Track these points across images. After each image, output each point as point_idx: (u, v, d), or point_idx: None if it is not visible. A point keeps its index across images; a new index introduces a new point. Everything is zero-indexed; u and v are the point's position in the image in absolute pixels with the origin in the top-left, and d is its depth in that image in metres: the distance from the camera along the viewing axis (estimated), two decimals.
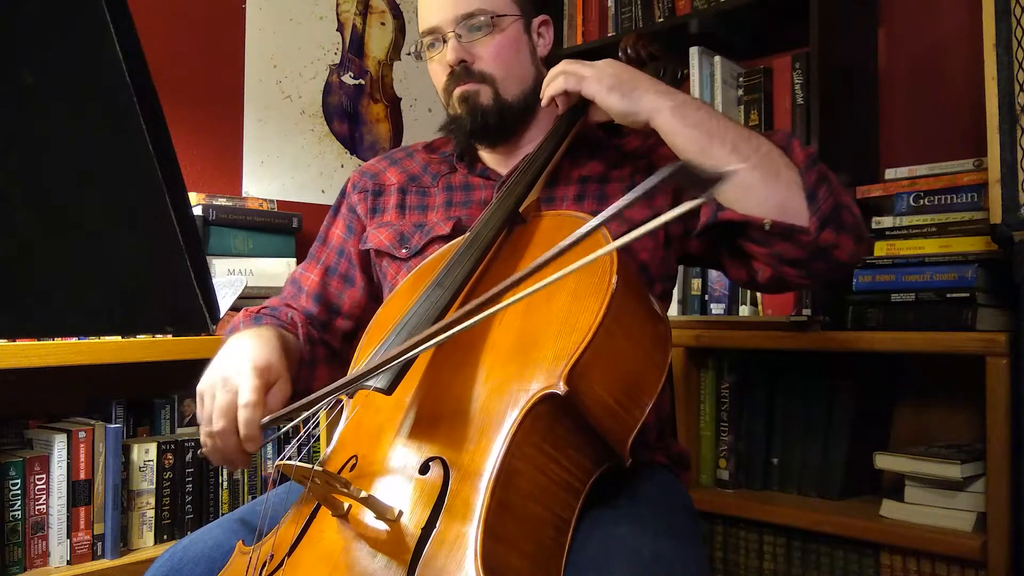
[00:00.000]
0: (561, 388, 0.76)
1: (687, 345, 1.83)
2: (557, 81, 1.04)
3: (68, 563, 1.48)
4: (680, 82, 1.28)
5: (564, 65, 1.05)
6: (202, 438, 0.94)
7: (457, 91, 1.12)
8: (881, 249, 1.68)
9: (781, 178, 0.95)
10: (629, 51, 1.24)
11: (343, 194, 1.29)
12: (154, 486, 1.61)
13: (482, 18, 1.10)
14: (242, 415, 0.88)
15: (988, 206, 1.44)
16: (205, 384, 0.95)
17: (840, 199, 0.96)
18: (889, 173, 1.75)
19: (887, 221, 1.70)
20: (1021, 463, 1.38)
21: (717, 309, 1.87)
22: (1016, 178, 1.38)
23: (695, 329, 1.84)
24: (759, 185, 0.94)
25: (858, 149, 1.89)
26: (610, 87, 1.00)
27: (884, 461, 1.59)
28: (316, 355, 1.16)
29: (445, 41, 1.11)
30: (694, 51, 1.97)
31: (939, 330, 1.52)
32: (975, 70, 1.57)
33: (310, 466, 0.76)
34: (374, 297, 1.24)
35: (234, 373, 0.92)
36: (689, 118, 0.97)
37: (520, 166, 1.07)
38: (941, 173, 1.66)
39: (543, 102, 1.08)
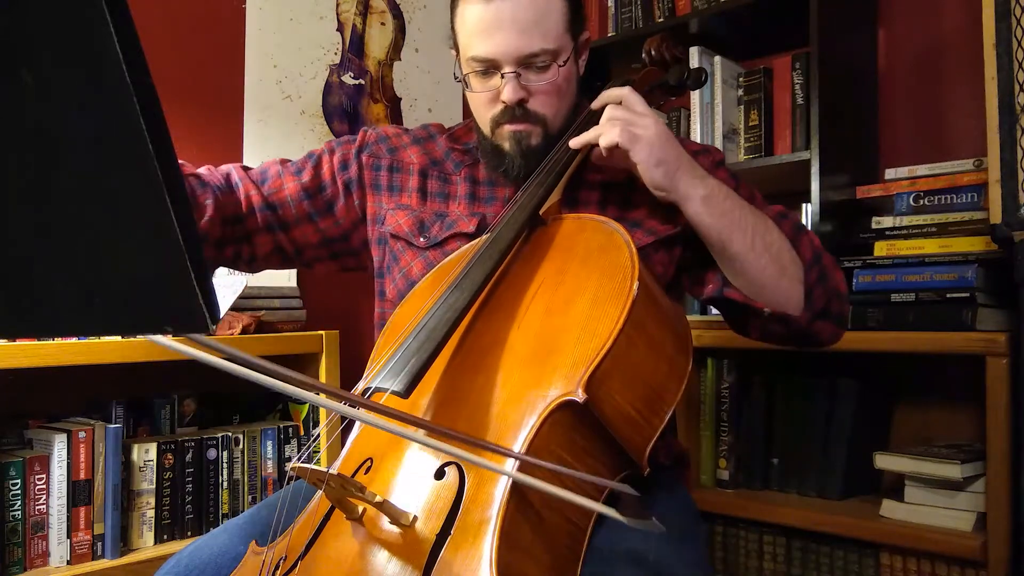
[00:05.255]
0: (580, 395, 0.75)
1: None
2: (613, 132, 1.00)
3: (68, 563, 1.48)
4: (703, 84, 1.28)
5: (621, 112, 1.02)
6: None
7: (508, 128, 1.09)
8: (881, 249, 1.68)
9: (786, 275, 1.03)
10: (653, 52, 1.23)
11: (350, 141, 1.24)
12: (154, 486, 1.60)
13: (544, 58, 1.05)
14: None
15: (988, 206, 1.44)
16: None
17: (833, 293, 1.06)
18: (889, 173, 1.75)
19: (887, 221, 1.70)
20: (1021, 463, 1.38)
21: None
22: (1016, 178, 1.38)
23: (695, 329, 1.82)
24: (767, 281, 1.02)
25: (858, 149, 1.89)
26: (658, 161, 0.99)
27: (884, 461, 1.59)
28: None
29: (500, 75, 1.06)
30: (694, 51, 1.97)
31: (939, 330, 1.52)
32: (975, 70, 1.57)
33: (325, 469, 0.76)
34: (327, 243, 1.22)
35: None
36: (715, 208, 1.00)
37: (542, 167, 1.06)
38: (941, 173, 1.66)
39: (599, 147, 1.03)
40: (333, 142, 1.25)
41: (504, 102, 1.07)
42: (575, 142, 1.05)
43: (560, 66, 1.07)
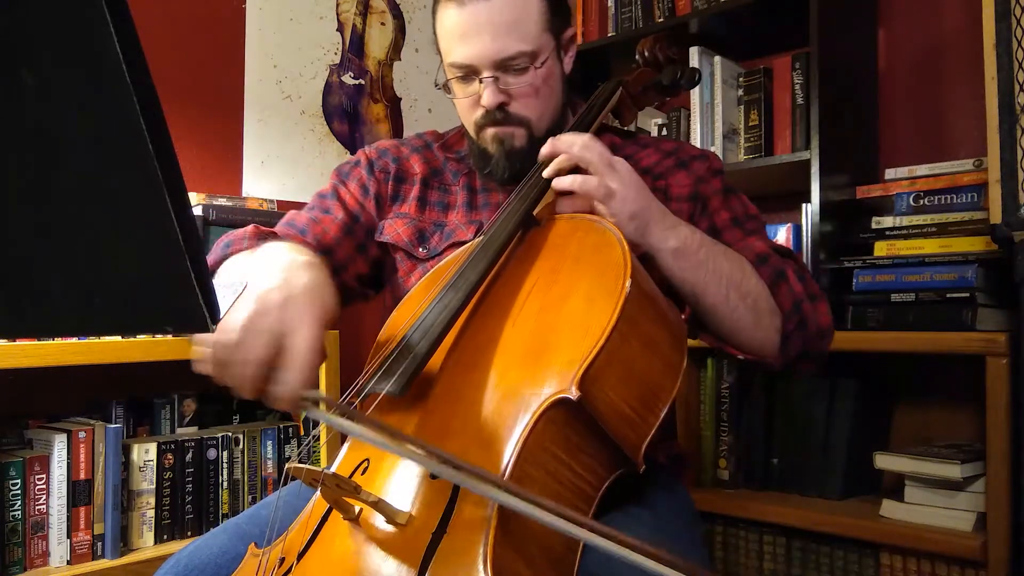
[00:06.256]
0: (574, 393, 0.75)
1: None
2: (590, 184, 0.95)
3: (68, 563, 1.48)
4: (696, 84, 1.28)
5: (593, 169, 0.95)
6: (213, 353, 0.74)
7: (491, 131, 1.09)
8: (881, 249, 1.68)
9: (761, 325, 1.02)
10: (646, 53, 1.23)
11: (356, 164, 1.21)
12: (154, 486, 1.60)
13: (522, 61, 1.05)
14: (290, 376, 0.72)
15: (988, 206, 1.44)
16: (249, 313, 0.75)
17: (814, 337, 1.05)
18: (889, 173, 1.75)
19: (887, 221, 1.70)
20: (1021, 463, 1.38)
21: None
22: (1016, 178, 1.38)
23: None
24: (740, 331, 1.02)
25: (858, 149, 1.89)
26: (631, 215, 0.94)
27: (884, 461, 1.59)
28: None
29: (479, 80, 1.06)
30: (694, 51, 1.97)
31: (939, 330, 1.52)
32: (975, 70, 1.57)
33: (320, 469, 0.76)
34: (376, 266, 1.18)
35: (294, 318, 0.74)
36: (687, 261, 0.97)
37: (536, 169, 1.04)
38: (941, 173, 1.66)
39: (558, 187, 0.98)
40: (338, 173, 1.22)
41: (484, 107, 1.07)
42: (563, 186, 0.99)
43: (537, 68, 1.06)
